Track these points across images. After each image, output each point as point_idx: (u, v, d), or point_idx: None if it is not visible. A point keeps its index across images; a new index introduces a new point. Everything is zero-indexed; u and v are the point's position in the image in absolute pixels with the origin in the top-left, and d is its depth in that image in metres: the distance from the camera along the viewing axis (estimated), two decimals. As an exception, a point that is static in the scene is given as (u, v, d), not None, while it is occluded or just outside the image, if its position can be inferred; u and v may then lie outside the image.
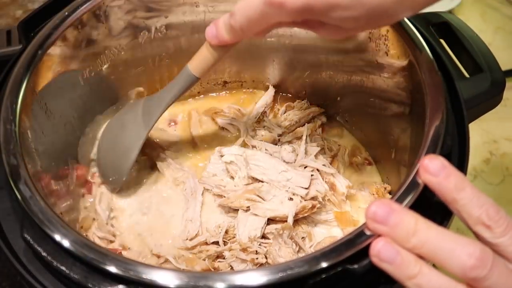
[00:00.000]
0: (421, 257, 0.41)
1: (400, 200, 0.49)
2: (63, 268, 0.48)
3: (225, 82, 0.87)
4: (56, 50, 0.65)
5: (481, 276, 0.38)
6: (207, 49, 0.59)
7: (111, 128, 0.73)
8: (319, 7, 0.45)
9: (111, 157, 0.71)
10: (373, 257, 0.42)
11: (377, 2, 0.45)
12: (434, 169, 0.42)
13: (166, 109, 0.67)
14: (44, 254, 0.49)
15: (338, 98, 0.81)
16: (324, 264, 0.46)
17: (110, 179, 0.71)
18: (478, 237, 0.41)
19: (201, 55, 0.60)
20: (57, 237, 0.49)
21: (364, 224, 0.46)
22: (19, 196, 0.53)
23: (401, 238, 0.41)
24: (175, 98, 0.66)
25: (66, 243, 0.49)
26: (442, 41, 0.67)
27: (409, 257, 0.41)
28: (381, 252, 0.41)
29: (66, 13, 0.67)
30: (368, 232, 0.45)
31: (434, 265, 0.42)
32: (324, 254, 0.46)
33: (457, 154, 0.58)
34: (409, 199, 0.49)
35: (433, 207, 0.52)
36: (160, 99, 0.67)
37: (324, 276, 0.46)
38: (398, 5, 0.45)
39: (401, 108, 0.67)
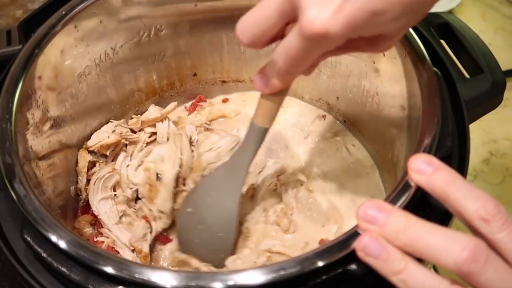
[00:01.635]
0: (414, 255, 0.40)
1: (393, 202, 0.49)
2: (63, 269, 0.48)
3: (223, 82, 0.87)
4: (53, 49, 0.65)
5: (476, 271, 0.38)
6: (265, 99, 0.55)
7: (193, 214, 0.65)
8: (362, 19, 0.42)
9: (208, 241, 0.65)
10: (359, 251, 0.42)
11: None
12: (420, 167, 0.42)
13: (247, 172, 0.62)
14: (44, 255, 0.49)
15: (338, 98, 0.81)
16: (319, 264, 0.46)
17: (214, 259, 0.64)
18: (475, 233, 0.41)
19: (262, 107, 0.56)
20: (50, 235, 0.49)
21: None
22: (14, 195, 0.53)
23: (391, 236, 0.41)
24: (253, 158, 0.61)
25: (59, 241, 0.49)
26: (442, 41, 0.67)
27: (395, 252, 0.41)
28: (367, 247, 0.41)
29: (64, 12, 0.67)
30: (361, 232, 0.45)
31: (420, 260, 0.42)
32: (320, 253, 0.46)
33: (457, 155, 0.58)
34: (402, 200, 0.49)
35: (433, 209, 0.52)
36: (239, 165, 0.61)
37: (324, 277, 0.46)
38: None
39: (398, 110, 0.67)
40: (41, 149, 0.64)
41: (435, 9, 0.62)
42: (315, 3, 0.42)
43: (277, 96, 0.54)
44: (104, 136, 0.74)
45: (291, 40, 0.45)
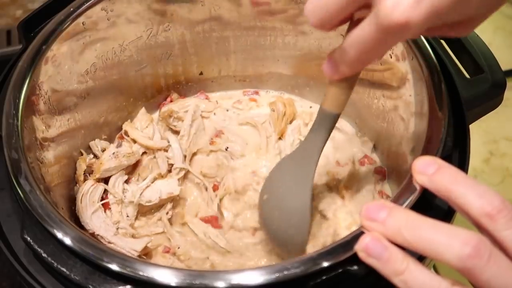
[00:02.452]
0: (415, 251, 0.40)
1: (398, 204, 0.49)
2: (63, 269, 0.48)
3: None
4: (60, 46, 0.65)
5: (479, 267, 0.37)
6: (334, 85, 0.53)
7: (268, 201, 0.65)
8: (448, 5, 0.40)
9: (284, 227, 0.63)
10: (360, 252, 0.42)
11: None
12: (423, 167, 0.42)
13: (318, 159, 0.61)
14: (44, 255, 0.49)
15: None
16: (323, 265, 0.46)
17: (292, 246, 0.64)
18: (481, 231, 0.40)
19: (331, 92, 0.54)
20: (56, 231, 0.49)
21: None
22: (19, 190, 0.53)
23: (393, 233, 0.41)
24: (324, 144, 0.59)
25: (64, 238, 0.49)
26: (442, 41, 0.67)
27: (397, 253, 0.40)
28: (369, 248, 0.41)
29: (71, 9, 0.67)
30: (364, 231, 0.45)
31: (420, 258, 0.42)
32: (324, 254, 0.47)
33: (457, 155, 0.58)
34: (407, 203, 0.50)
35: (433, 209, 0.52)
36: (310, 151, 0.60)
37: (324, 277, 0.46)
38: None
39: (404, 110, 0.67)
40: (47, 146, 0.64)
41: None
42: None
43: (346, 81, 0.52)
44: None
45: (365, 29, 0.42)
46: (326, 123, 0.57)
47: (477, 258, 0.37)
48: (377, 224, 0.42)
